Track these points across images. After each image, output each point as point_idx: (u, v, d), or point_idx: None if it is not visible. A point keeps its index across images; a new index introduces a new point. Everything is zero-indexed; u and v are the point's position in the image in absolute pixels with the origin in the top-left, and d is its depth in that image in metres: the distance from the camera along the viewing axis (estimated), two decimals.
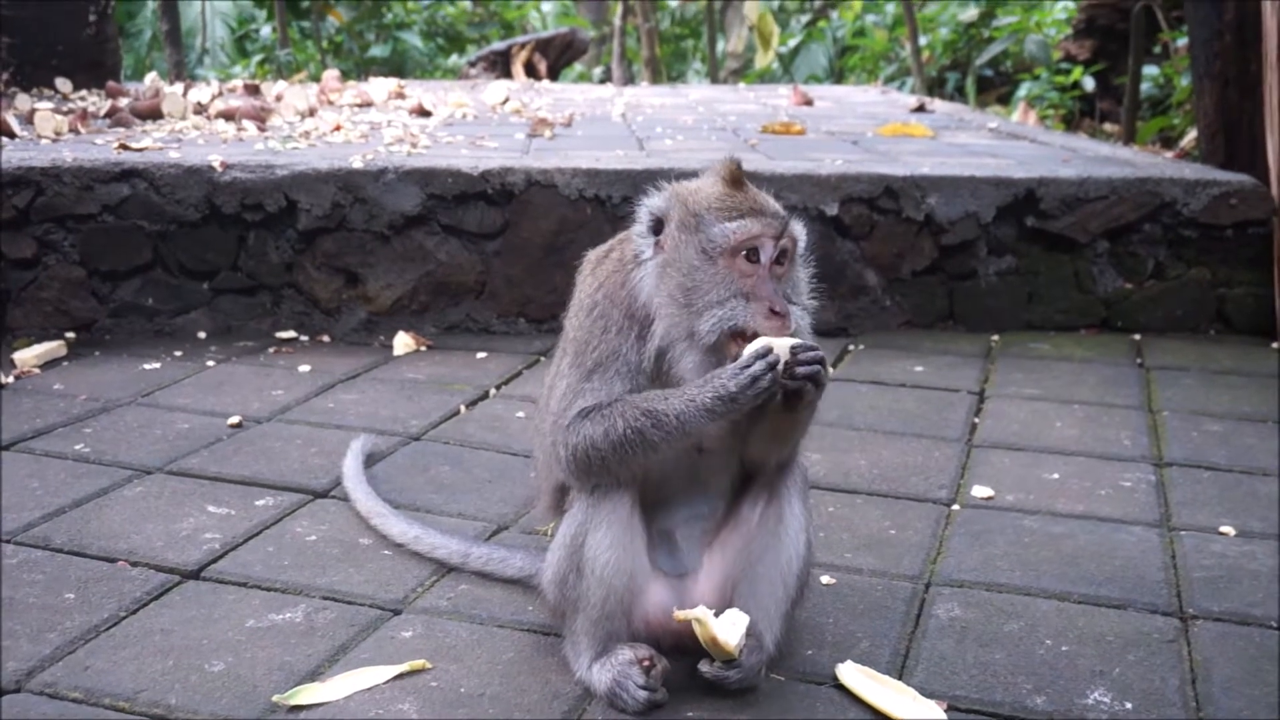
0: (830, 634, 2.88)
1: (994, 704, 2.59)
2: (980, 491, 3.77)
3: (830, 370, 2.48)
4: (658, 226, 2.56)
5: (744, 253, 2.47)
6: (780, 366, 2.39)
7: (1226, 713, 2.56)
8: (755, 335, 2.44)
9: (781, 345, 2.41)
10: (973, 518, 3.60)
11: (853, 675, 2.64)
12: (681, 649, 2.60)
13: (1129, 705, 2.58)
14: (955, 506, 3.69)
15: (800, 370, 2.41)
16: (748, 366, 2.37)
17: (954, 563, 3.28)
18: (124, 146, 5.75)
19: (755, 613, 2.61)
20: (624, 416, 2.45)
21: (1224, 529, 3.51)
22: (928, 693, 2.59)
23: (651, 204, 2.58)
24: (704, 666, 2.52)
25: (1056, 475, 3.93)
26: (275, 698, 2.55)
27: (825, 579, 3.16)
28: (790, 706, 2.56)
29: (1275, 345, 5.50)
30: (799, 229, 2.57)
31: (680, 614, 2.51)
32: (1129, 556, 3.32)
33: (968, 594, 3.10)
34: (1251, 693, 2.64)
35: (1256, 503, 3.72)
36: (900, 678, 2.67)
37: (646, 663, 2.53)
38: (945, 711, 2.51)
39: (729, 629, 2.46)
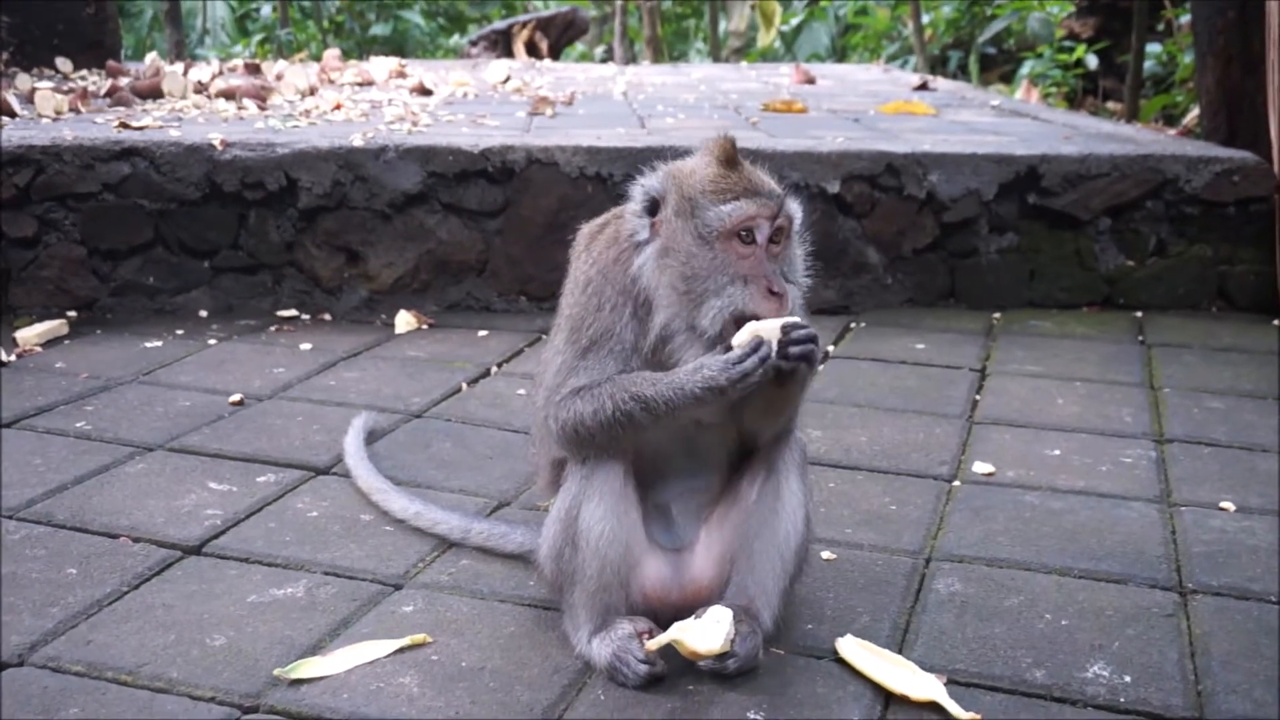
0: (830, 608, 2.89)
1: (993, 677, 2.59)
2: (981, 468, 3.78)
3: (825, 349, 2.48)
4: (653, 207, 2.54)
5: (739, 234, 2.46)
6: (773, 348, 2.39)
7: (1225, 686, 2.57)
8: (755, 317, 2.43)
9: (773, 326, 2.40)
10: (973, 493, 3.60)
11: (853, 649, 2.64)
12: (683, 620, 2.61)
13: (1128, 678, 2.59)
14: (956, 482, 3.69)
15: (793, 350, 2.41)
16: (739, 362, 2.37)
17: (954, 538, 3.29)
18: (124, 125, 5.74)
19: (753, 588, 2.62)
20: (613, 398, 2.46)
21: (1224, 505, 3.51)
22: (927, 666, 2.60)
23: (647, 184, 2.55)
24: (701, 661, 2.51)
25: (1057, 451, 3.94)
26: (276, 671, 2.56)
27: (826, 554, 3.16)
28: (790, 680, 2.57)
29: (1276, 322, 5.50)
30: (795, 206, 2.55)
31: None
32: (1129, 532, 3.33)
33: (968, 569, 3.10)
34: (1250, 666, 2.65)
35: (1256, 479, 3.72)
36: (900, 651, 2.67)
37: (646, 635, 2.54)
38: (945, 684, 2.51)
39: (710, 636, 2.43)
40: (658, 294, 2.49)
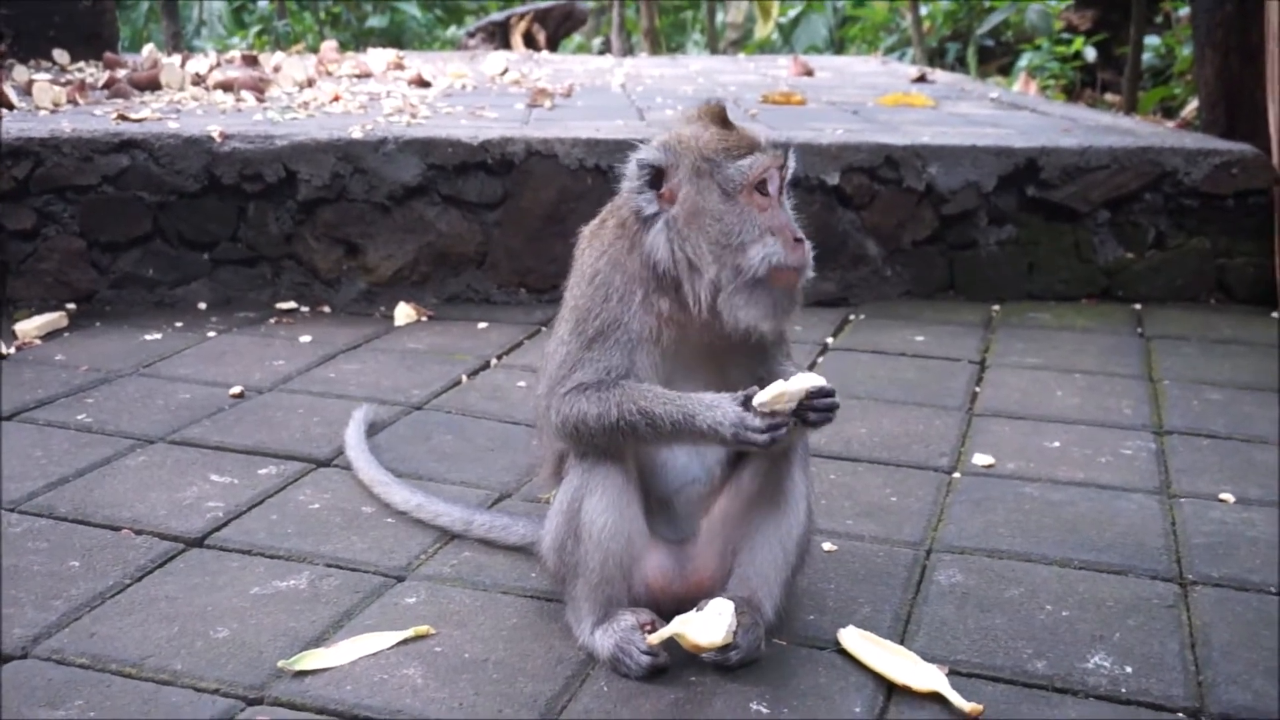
0: (832, 600, 2.90)
1: (995, 668, 2.60)
2: (981, 459, 3.78)
3: (839, 405, 2.50)
4: (656, 179, 2.53)
5: (758, 187, 2.49)
6: (792, 412, 2.39)
7: (1225, 676, 2.58)
8: (794, 269, 2.46)
9: (803, 387, 2.39)
10: (973, 485, 3.61)
11: (854, 640, 2.65)
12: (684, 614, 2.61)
13: (1129, 669, 2.60)
14: (956, 474, 3.70)
15: (813, 417, 2.43)
16: (757, 431, 2.38)
17: (955, 529, 3.30)
18: (123, 117, 5.73)
19: (755, 580, 2.62)
20: (620, 407, 2.46)
21: (1223, 496, 3.52)
22: (929, 657, 2.60)
23: (648, 156, 2.52)
24: (703, 653, 2.52)
25: (1057, 443, 3.94)
26: (280, 663, 2.57)
27: (827, 546, 3.17)
28: (792, 671, 2.58)
29: (1275, 314, 5.51)
30: (792, 154, 2.60)
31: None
32: (1129, 523, 3.33)
33: (968, 560, 3.11)
34: (1250, 656, 2.66)
35: (1255, 470, 3.73)
36: (902, 642, 2.68)
37: (648, 627, 2.55)
38: (946, 675, 2.52)
39: (712, 629, 2.44)
40: (696, 259, 2.48)
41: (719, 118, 2.57)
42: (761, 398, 2.38)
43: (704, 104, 2.61)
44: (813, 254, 2.54)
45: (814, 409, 2.42)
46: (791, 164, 2.58)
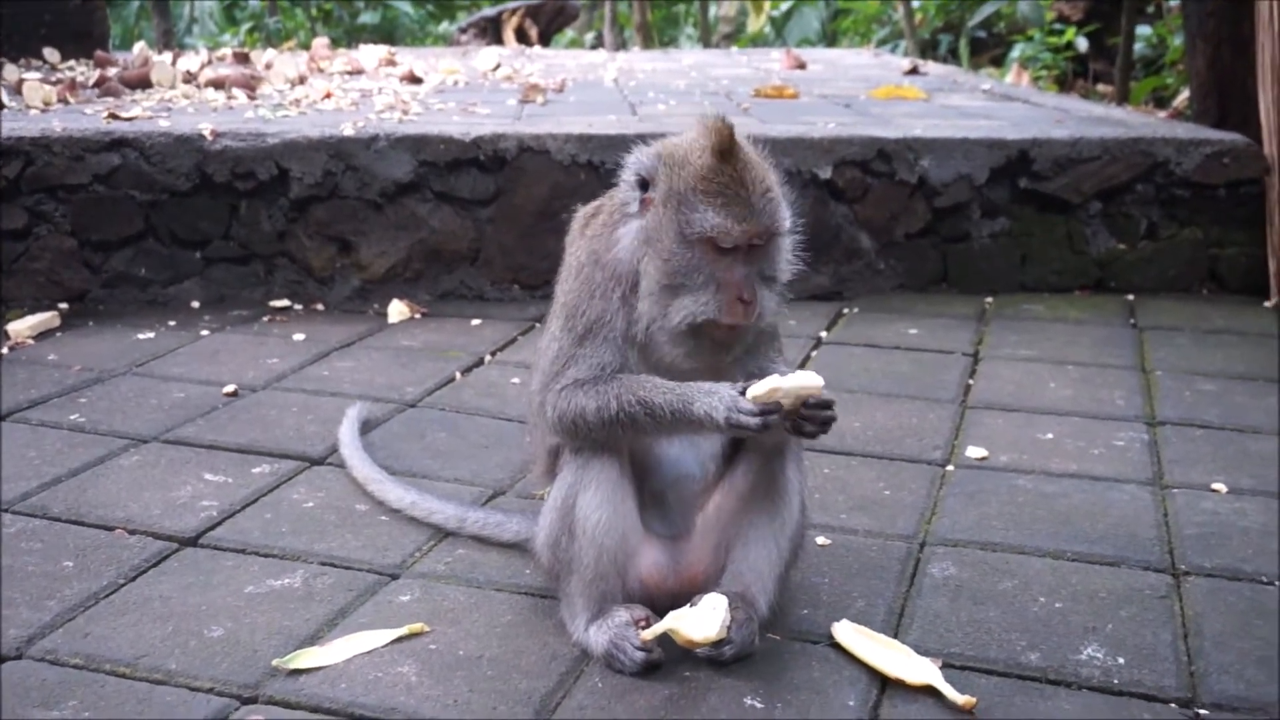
0: (826, 594, 2.90)
1: (988, 660, 2.61)
2: (974, 452, 3.79)
3: (836, 417, 2.46)
4: (645, 183, 2.52)
5: (717, 240, 2.41)
6: (787, 410, 2.37)
7: (1218, 666, 2.59)
8: (726, 326, 2.42)
9: (799, 386, 2.37)
10: (967, 478, 3.61)
11: (848, 634, 2.66)
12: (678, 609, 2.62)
13: (1122, 660, 2.61)
14: (949, 467, 3.70)
15: (808, 428, 2.41)
16: (750, 414, 2.35)
17: (948, 522, 3.30)
18: (114, 116, 5.72)
19: (749, 574, 2.63)
20: (619, 399, 2.46)
21: (1216, 486, 3.53)
22: (923, 650, 2.61)
23: (639, 164, 2.52)
24: (698, 650, 2.52)
25: (1050, 435, 3.95)
26: (275, 661, 2.57)
27: (820, 540, 3.18)
28: (786, 666, 2.58)
29: (1267, 304, 5.52)
30: (783, 218, 2.48)
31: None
32: (1122, 514, 3.34)
33: (962, 553, 3.12)
34: (1242, 646, 2.66)
35: (1248, 460, 3.74)
36: (895, 636, 2.69)
37: (643, 623, 2.55)
38: (940, 668, 2.53)
39: (705, 624, 2.44)
40: (641, 274, 2.48)
41: (720, 147, 2.42)
42: (756, 390, 2.38)
43: (715, 120, 2.45)
44: (772, 301, 2.49)
45: (810, 420, 2.40)
46: (781, 229, 2.47)
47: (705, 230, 2.40)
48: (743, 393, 2.39)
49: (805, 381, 2.39)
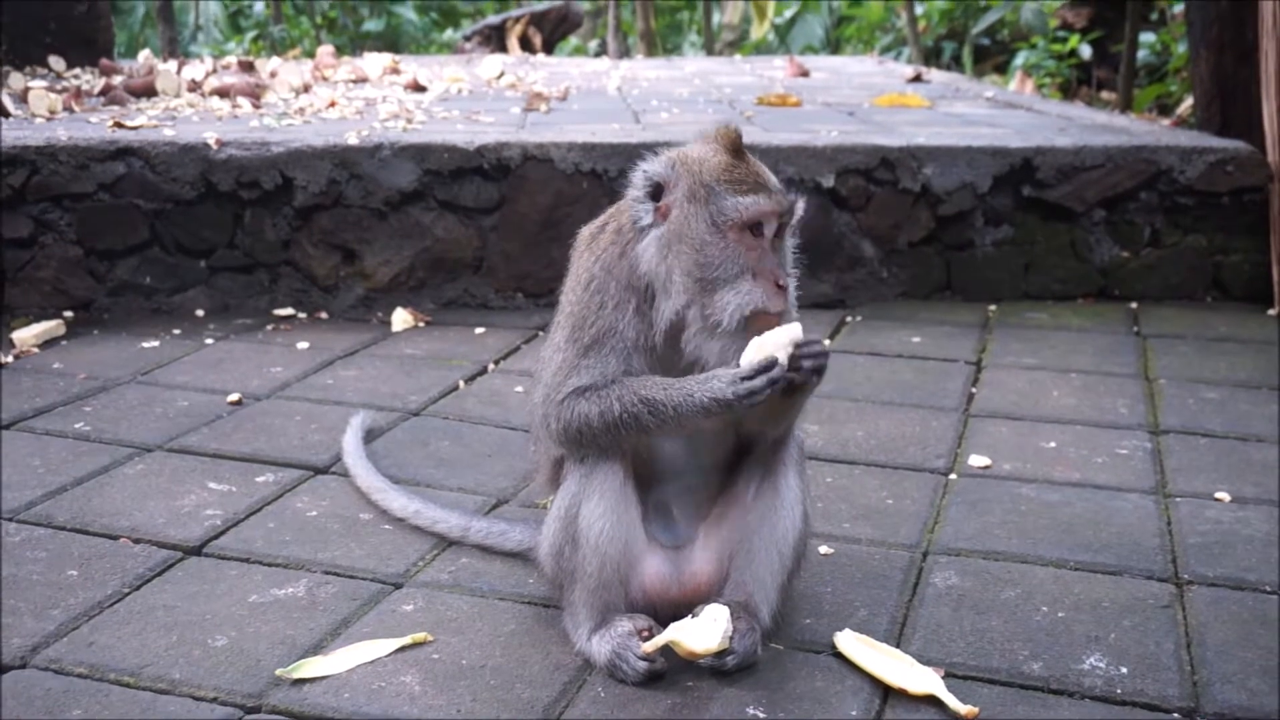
0: (828, 603, 2.90)
1: (991, 670, 2.61)
2: (977, 461, 3.79)
3: (829, 352, 2.51)
4: (656, 192, 2.54)
5: (750, 227, 2.48)
6: (783, 363, 2.40)
7: (1220, 676, 2.58)
8: (767, 313, 2.45)
9: (782, 339, 2.41)
10: (970, 487, 3.62)
11: (850, 643, 2.66)
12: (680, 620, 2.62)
13: (1124, 670, 2.61)
14: (952, 476, 3.71)
15: (806, 364, 2.44)
16: (748, 378, 2.38)
17: (951, 531, 3.30)
18: (119, 125, 5.74)
19: (751, 584, 2.63)
20: (621, 401, 2.47)
21: (1219, 495, 3.53)
22: (925, 660, 2.61)
23: (651, 169, 2.54)
24: (700, 660, 2.52)
25: (1053, 444, 3.95)
26: (278, 671, 2.58)
27: (823, 549, 3.18)
28: (789, 675, 2.58)
29: (1271, 312, 5.52)
30: (800, 204, 2.58)
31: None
32: (1125, 523, 3.34)
33: (965, 562, 3.12)
34: (1245, 656, 2.66)
35: (1251, 469, 3.74)
36: (898, 645, 2.69)
37: (645, 633, 2.55)
38: (943, 678, 2.53)
39: (707, 635, 2.44)
40: (668, 280, 2.49)
41: (732, 145, 2.54)
42: (748, 356, 2.41)
43: (720, 127, 2.57)
44: (794, 284, 2.55)
45: (806, 356, 2.43)
46: (799, 211, 2.56)
47: (741, 213, 2.46)
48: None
49: (786, 333, 2.42)
